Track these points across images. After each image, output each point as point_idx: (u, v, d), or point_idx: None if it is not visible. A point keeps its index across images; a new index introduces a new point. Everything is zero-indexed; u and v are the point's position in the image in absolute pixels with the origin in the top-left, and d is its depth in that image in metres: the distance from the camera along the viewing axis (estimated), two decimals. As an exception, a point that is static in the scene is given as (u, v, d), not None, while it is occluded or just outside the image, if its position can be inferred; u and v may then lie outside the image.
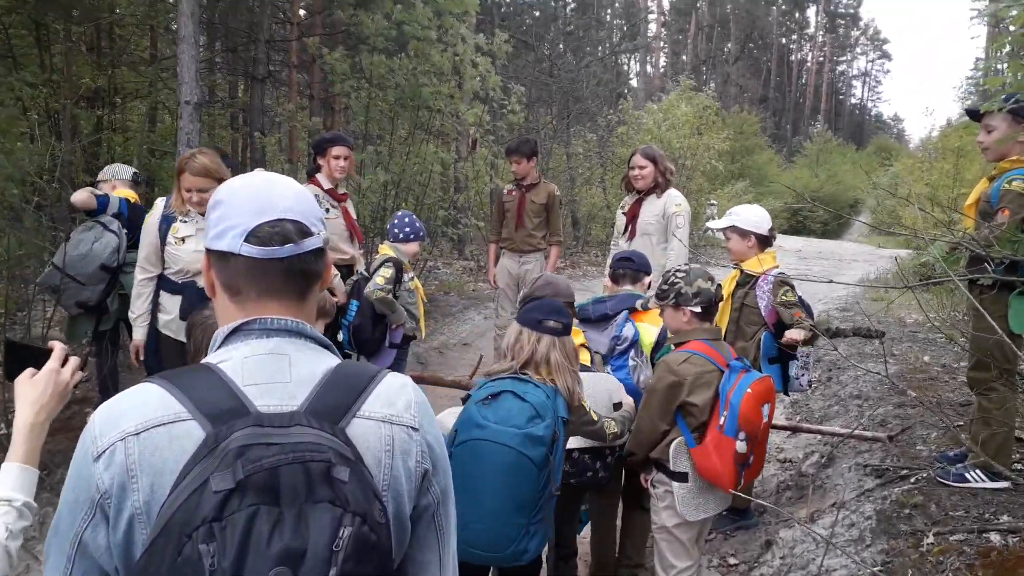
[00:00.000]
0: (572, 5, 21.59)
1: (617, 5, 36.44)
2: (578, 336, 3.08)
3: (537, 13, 19.20)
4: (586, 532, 3.50)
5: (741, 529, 4.09)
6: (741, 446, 2.71)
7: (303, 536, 0.89)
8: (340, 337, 4.70)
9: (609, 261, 5.07)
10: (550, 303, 2.61)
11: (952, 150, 14.40)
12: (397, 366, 4.59)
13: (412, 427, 1.15)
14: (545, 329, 2.50)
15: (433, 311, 8.10)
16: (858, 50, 67.10)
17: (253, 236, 1.07)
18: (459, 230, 10.12)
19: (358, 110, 8.07)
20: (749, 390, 2.70)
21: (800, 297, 3.75)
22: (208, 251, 1.13)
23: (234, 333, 1.11)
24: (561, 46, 19.87)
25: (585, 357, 3.12)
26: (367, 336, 4.48)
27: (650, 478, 2.95)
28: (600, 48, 22.29)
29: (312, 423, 1.00)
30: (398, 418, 1.13)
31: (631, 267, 3.51)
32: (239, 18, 10.43)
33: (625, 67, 33.65)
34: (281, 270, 1.09)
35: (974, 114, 3.43)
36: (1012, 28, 2.94)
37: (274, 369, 1.07)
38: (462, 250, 12.96)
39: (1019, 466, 3.53)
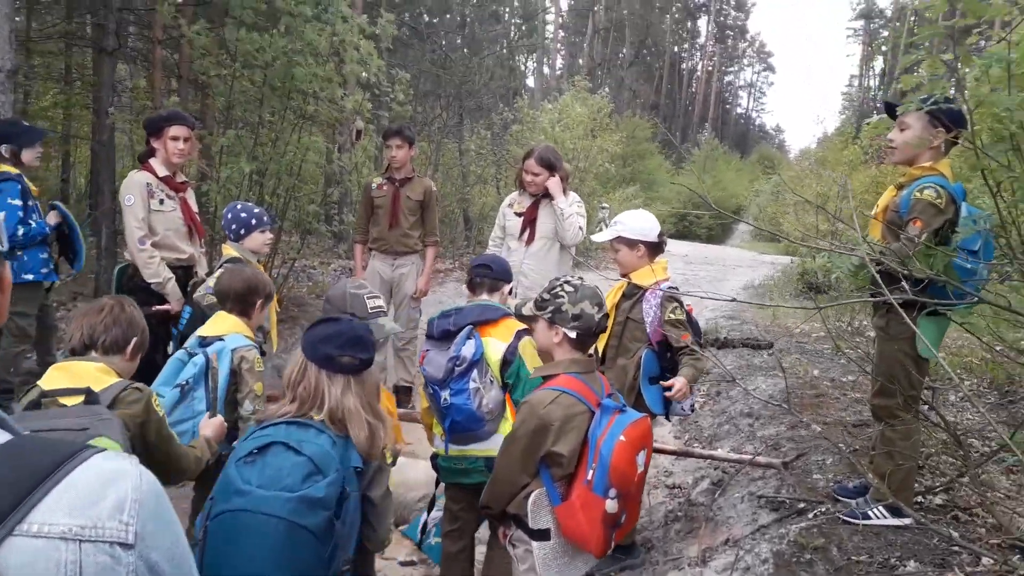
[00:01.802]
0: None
1: (516, 3, 36.31)
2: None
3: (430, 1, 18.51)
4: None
5: (627, 570, 3.69)
6: (612, 505, 2.24)
7: None
8: (171, 350, 4.00)
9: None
10: (348, 331, 1.99)
11: (830, 161, 14.94)
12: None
13: (122, 542, 0.77)
14: (339, 367, 1.93)
15: (300, 317, 7.35)
16: (745, 61, 70.23)
17: None
18: (334, 227, 9.34)
19: (220, 90, 7.19)
20: (622, 438, 2.22)
21: (689, 315, 3.39)
22: None
23: None
24: (459, 40, 19.28)
25: None
26: (199, 349, 3.79)
27: (509, 534, 2.46)
28: (497, 45, 21.83)
29: None
30: (95, 530, 0.76)
31: (489, 275, 3.09)
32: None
33: (522, 66, 33.47)
34: None
35: (891, 110, 3.14)
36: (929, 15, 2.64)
37: None
38: (335, 247, 12.17)
39: (921, 499, 3.28)
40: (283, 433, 1.85)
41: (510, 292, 3.22)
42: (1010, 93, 2.92)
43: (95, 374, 2.18)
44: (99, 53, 8.58)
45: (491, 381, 2.87)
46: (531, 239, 4.65)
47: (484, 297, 3.08)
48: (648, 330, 3.35)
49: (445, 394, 2.85)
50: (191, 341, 3.02)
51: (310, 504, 1.76)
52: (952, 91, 3.05)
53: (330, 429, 1.88)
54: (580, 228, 4.56)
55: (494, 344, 2.88)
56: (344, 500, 1.83)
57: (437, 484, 3.30)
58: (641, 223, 3.46)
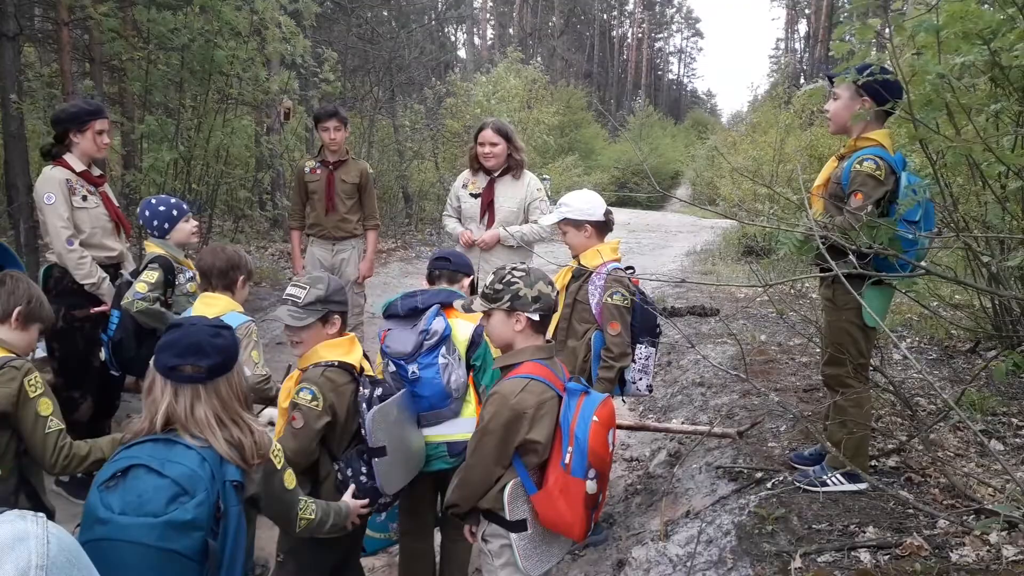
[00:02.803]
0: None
1: (442, -27, 35.67)
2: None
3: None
4: None
5: (590, 547, 3.69)
6: (591, 486, 2.27)
7: None
8: (102, 355, 3.79)
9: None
10: (184, 337, 1.81)
11: (761, 124, 15.17)
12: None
13: None
14: (182, 377, 1.78)
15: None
16: (674, 27, 70.74)
17: None
18: (269, 212, 9.03)
19: (136, 75, 6.80)
20: (595, 418, 2.24)
21: (639, 298, 3.33)
22: None
23: None
24: (386, 13, 18.76)
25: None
26: (131, 355, 3.59)
27: (480, 531, 2.39)
28: (425, 17, 21.36)
29: None
30: None
31: (448, 267, 3.07)
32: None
33: (452, 38, 32.98)
34: None
35: (832, 80, 3.14)
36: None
37: None
38: (271, 232, 11.79)
39: (875, 463, 3.35)
40: (146, 454, 1.70)
41: (472, 287, 3.16)
42: (940, 60, 2.94)
43: None
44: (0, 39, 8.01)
45: (458, 359, 2.81)
46: (490, 221, 4.53)
47: (444, 286, 3.03)
48: (594, 311, 3.31)
49: (413, 367, 2.75)
50: None
51: (178, 528, 1.63)
52: (887, 61, 3.06)
53: (194, 443, 1.75)
54: (544, 226, 4.44)
55: (461, 325, 2.83)
56: (221, 518, 1.70)
57: None
58: (585, 203, 3.40)
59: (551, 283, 2.41)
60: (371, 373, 2.73)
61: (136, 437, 1.76)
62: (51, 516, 2.31)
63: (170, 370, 1.77)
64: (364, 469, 2.58)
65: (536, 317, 2.34)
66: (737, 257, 11.02)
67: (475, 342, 2.84)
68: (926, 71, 2.80)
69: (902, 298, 5.99)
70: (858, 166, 2.95)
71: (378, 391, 2.58)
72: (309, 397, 2.46)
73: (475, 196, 4.57)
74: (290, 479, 2.02)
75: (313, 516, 2.14)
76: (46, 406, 2.26)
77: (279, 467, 1.96)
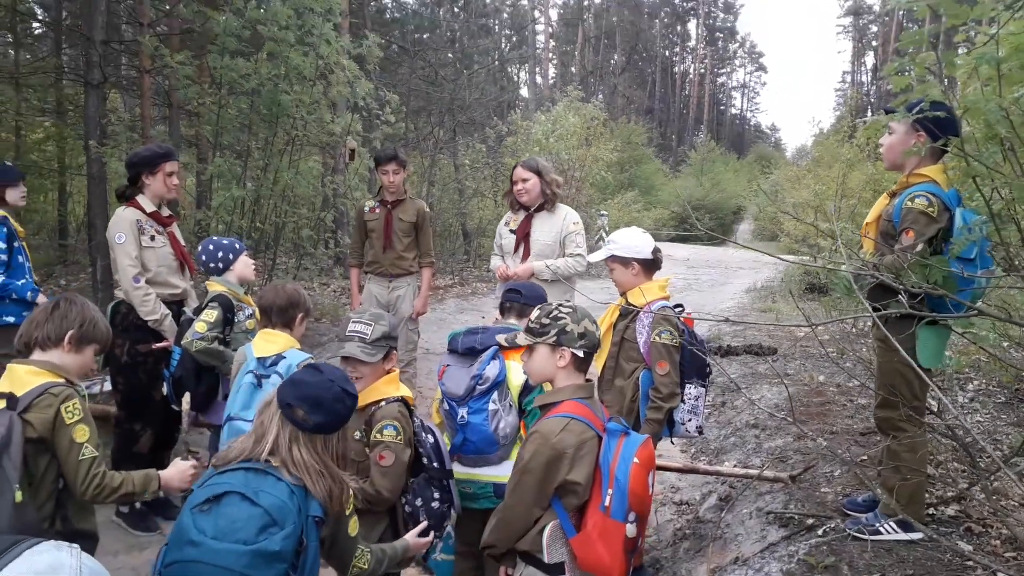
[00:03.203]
0: (460, 14, 21.09)
1: (505, 16, 36.48)
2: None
3: (424, 7, 18.49)
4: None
5: (636, 592, 3.60)
6: (631, 529, 2.23)
7: None
8: (164, 390, 3.96)
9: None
10: (316, 387, 1.92)
11: (824, 159, 14.85)
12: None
13: None
14: (291, 418, 1.88)
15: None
16: (736, 62, 70.31)
17: None
18: (331, 250, 9.30)
19: (207, 118, 7.18)
20: (636, 460, 2.21)
21: (688, 338, 3.28)
22: None
23: None
24: (451, 55, 19.30)
25: None
26: (191, 389, 3.74)
27: (517, 573, 2.38)
28: (488, 58, 21.87)
29: None
30: None
31: (519, 299, 3.09)
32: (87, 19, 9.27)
33: (515, 78, 33.59)
34: None
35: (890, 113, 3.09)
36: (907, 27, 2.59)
37: None
38: (333, 269, 12.10)
39: (933, 510, 3.20)
40: (240, 481, 1.78)
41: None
42: (1000, 93, 2.86)
43: (23, 376, 2.27)
44: (86, 86, 8.59)
45: (509, 405, 2.82)
46: (526, 254, 4.59)
47: (512, 322, 3.06)
48: (642, 350, 3.28)
49: (463, 412, 2.80)
50: (253, 363, 3.04)
51: (266, 558, 1.70)
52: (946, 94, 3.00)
53: (287, 478, 1.82)
54: (579, 259, 4.49)
55: (517, 369, 2.82)
56: (302, 552, 1.77)
57: None
58: (633, 241, 3.40)
59: (595, 322, 2.43)
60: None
61: (237, 455, 1.85)
62: (93, 542, 2.41)
63: (287, 406, 1.88)
64: (436, 495, 2.61)
65: (580, 354, 2.35)
66: (800, 294, 10.74)
67: (529, 387, 2.82)
68: (978, 106, 2.73)
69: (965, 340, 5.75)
70: (910, 203, 2.88)
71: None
72: (393, 433, 2.52)
73: (513, 232, 4.65)
74: (354, 527, 2.08)
75: (367, 566, 2.18)
76: (82, 433, 2.28)
77: (348, 513, 2.02)
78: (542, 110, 19.94)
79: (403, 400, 2.63)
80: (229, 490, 1.76)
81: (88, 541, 2.38)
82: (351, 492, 2.02)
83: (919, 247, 2.74)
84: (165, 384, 3.92)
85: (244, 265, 3.86)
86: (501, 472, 2.79)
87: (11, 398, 2.20)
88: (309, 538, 1.79)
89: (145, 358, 4.04)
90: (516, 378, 2.83)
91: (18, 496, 2.03)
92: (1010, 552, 2.80)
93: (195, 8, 7.53)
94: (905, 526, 2.95)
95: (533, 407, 2.62)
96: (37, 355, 2.36)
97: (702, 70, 62.91)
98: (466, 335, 2.93)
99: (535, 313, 2.44)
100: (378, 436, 2.51)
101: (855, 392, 5.17)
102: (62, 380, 2.32)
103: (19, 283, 4.28)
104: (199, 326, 3.54)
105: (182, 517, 1.76)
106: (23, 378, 2.27)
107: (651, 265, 3.46)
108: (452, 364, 2.91)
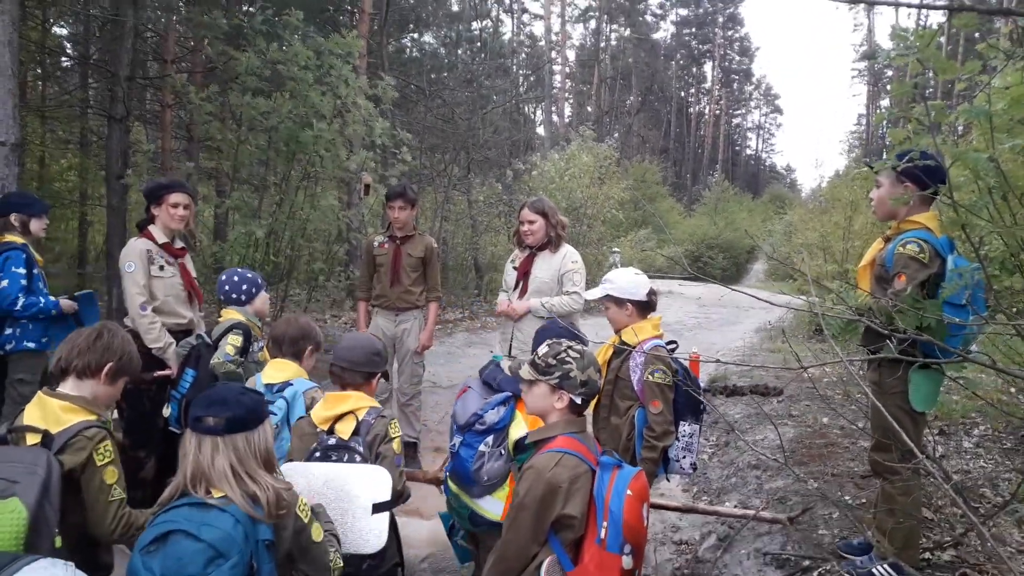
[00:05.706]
0: (479, 55, 21.52)
1: (523, 56, 37.11)
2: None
3: (444, 47, 18.88)
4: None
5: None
6: (627, 561, 2.25)
7: None
8: (167, 412, 4.01)
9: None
10: (216, 393, 1.98)
11: (840, 200, 14.88)
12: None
13: None
14: (203, 429, 1.91)
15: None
16: (752, 104, 70.88)
17: None
18: (342, 283, 9.44)
19: (227, 153, 7.39)
20: (629, 492, 2.25)
21: (682, 377, 3.31)
22: None
23: None
24: (467, 94, 19.65)
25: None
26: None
27: None
28: (504, 96, 22.23)
29: None
30: None
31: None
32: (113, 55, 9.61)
33: (532, 116, 34.04)
34: None
35: (871, 167, 3.18)
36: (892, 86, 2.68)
37: None
38: (344, 302, 12.24)
39: (929, 555, 3.20)
40: (183, 518, 1.82)
41: None
42: (994, 146, 2.93)
43: (58, 413, 2.24)
44: (109, 120, 8.87)
45: (500, 453, 2.84)
46: (523, 291, 4.68)
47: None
48: (636, 389, 3.32)
49: (457, 440, 2.87)
50: (261, 390, 3.09)
51: None
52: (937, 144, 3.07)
53: (230, 505, 1.85)
54: (575, 297, 4.56)
55: (521, 424, 2.85)
56: None
57: None
58: (628, 282, 3.47)
59: (599, 369, 2.48)
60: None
61: (174, 492, 1.90)
62: (108, 571, 2.43)
63: (196, 421, 1.92)
64: None
65: (579, 400, 2.41)
66: (809, 335, 10.72)
67: (522, 446, 2.76)
68: (965, 157, 2.81)
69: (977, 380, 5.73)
70: (901, 249, 2.95)
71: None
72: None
73: (516, 269, 4.75)
74: (317, 533, 2.10)
75: (341, 563, 2.21)
76: (112, 474, 2.27)
77: (306, 522, 2.05)
78: (556, 149, 20.23)
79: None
80: (172, 528, 1.80)
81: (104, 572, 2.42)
82: (299, 499, 2.03)
83: (909, 290, 2.80)
84: (171, 406, 3.97)
85: (263, 301, 3.95)
86: (481, 503, 2.85)
87: (46, 435, 2.16)
88: (260, 562, 1.82)
89: (149, 385, 4.11)
90: (517, 432, 2.83)
91: (57, 542, 2.01)
92: (1003, 598, 2.79)
93: (219, 48, 7.79)
94: (899, 569, 2.95)
95: (527, 442, 2.64)
96: (71, 384, 2.34)
97: (717, 111, 63.45)
98: (494, 368, 3.00)
99: (543, 349, 2.49)
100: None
101: (858, 434, 5.16)
102: (95, 418, 2.31)
103: (41, 302, 4.36)
104: (228, 349, 3.62)
105: (133, 559, 1.79)
106: (58, 415, 2.24)
107: (645, 307, 3.51)
108: (473, 389, 2.98)
